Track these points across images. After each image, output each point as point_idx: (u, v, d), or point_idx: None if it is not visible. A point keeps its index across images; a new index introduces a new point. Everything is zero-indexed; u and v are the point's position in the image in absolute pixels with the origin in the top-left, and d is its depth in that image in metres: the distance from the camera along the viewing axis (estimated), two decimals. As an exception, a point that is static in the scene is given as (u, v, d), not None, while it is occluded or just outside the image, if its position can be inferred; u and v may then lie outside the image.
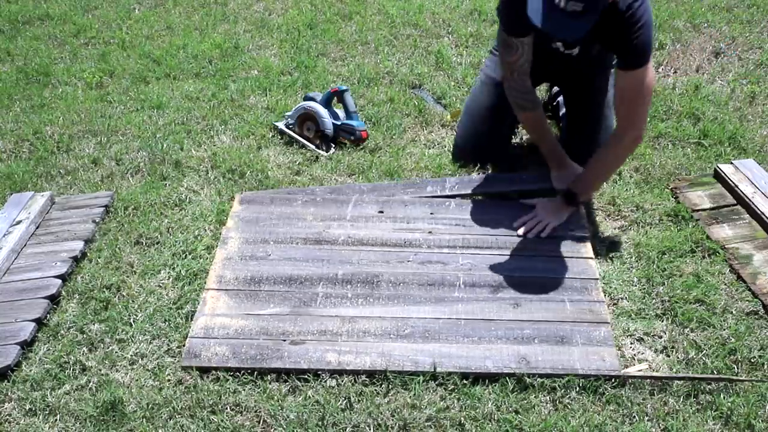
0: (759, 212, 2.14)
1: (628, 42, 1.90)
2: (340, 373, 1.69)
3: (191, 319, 1.86)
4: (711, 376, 1.68)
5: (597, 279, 1.95)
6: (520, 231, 2.11)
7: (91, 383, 1.71)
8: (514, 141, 2.61)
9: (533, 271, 1.98)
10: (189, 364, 1.72)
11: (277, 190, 2.34)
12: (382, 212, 2.18)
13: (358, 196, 2.27)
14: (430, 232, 2.11)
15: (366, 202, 2.24)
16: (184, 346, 1.78)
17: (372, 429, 1.59)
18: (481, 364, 1.70)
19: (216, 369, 1.71)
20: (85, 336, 1.84)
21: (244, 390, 1.68)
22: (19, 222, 2.20)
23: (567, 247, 2.06)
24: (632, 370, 1.70)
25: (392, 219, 2.17)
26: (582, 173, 2.16)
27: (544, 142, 2.27)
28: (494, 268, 1.99)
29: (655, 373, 1.69)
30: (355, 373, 1.69)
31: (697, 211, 2.21)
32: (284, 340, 1.77)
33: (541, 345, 1.75)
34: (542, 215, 2.13)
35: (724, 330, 1.80)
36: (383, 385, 1.67)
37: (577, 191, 2.12)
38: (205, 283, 1.97)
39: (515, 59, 2.07)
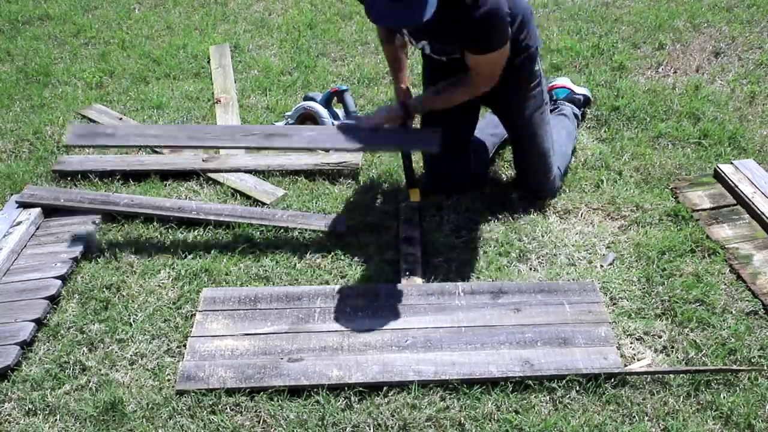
0: (759, 212, 2.14)
1: (473, 32, 1.88)
2: (342, 387, 1.66)
3: (191, 319, 1.86)
4: (712, 367, 1.68)
5: (594, 281, 1.95)
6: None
7: (91, 383, 1.71)
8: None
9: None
10: (184, 388, 1.67)
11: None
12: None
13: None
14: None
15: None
16: (184, 346, 1.78)
17: (372, 429, 1.59)
18: (484, 369, 1.69)
19: (213, 390, 1.66)
20: (85, 336, 1.84)
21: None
22: (19, 223, 2.20)
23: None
24: (635, 367, 1.70)
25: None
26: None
27: (392, 74, 2.27)
28: None
29: (657, 368, 1.69)
30: (357, 386, 1.66)
31: (697, 211, 2.21)
32: (282, 358, 1.73)
33: (544, 347, 1.76)
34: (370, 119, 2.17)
35: (724, 330, 1.80)
36: (383, 387, 1.67)
37: (409, 102, 2.14)
38: (204, 284, 1.97)
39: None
